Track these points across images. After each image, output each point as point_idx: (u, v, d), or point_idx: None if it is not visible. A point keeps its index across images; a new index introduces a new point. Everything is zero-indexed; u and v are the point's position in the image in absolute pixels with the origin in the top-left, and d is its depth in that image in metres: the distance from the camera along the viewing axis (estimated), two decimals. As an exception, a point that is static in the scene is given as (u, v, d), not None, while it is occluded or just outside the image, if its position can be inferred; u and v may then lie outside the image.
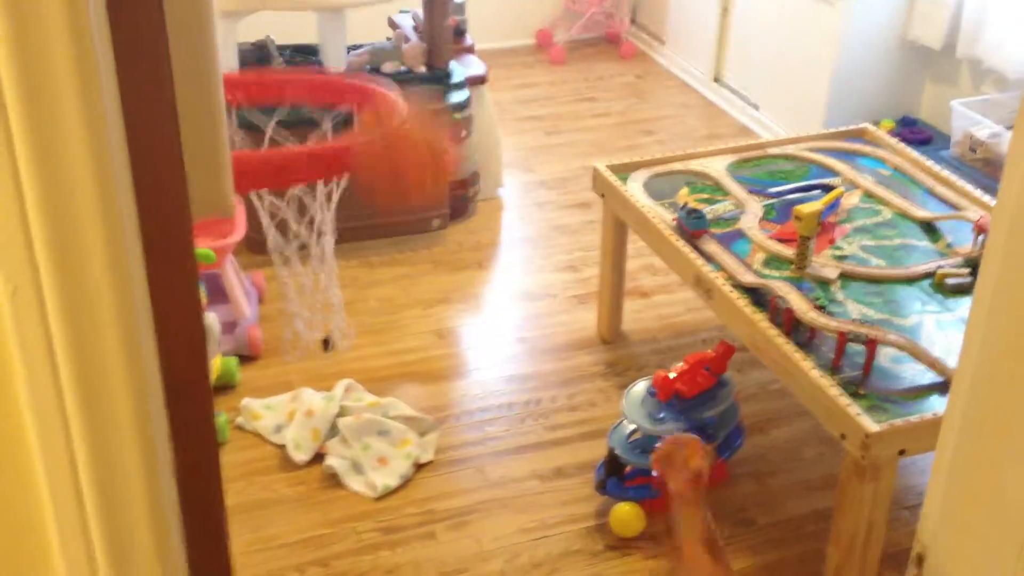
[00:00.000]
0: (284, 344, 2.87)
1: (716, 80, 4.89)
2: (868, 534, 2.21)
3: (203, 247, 2.90)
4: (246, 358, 3.12)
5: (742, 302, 2.48)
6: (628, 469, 2.60)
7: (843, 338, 2.29)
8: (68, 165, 0.90)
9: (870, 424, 2.08)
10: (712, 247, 2.69)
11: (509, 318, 3.41)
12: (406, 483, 2.71)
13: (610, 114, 4.80)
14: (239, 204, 3.17)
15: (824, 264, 2.61)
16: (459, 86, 3.65)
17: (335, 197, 2.58)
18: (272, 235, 2.63)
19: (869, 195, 2.94)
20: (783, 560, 2.52)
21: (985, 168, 3.46)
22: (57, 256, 0.93)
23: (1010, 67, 3.56)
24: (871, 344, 2.27)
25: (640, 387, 2.61)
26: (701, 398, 2.56)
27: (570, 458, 2.81)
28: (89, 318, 0.98)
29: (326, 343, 2.84)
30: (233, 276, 3.16)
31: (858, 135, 3.28)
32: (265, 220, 2.61)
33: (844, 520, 2.22)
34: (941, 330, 2.40)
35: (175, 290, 1.12)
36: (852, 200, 2.91)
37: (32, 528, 1.08)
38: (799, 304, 2.40)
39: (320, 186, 2.54)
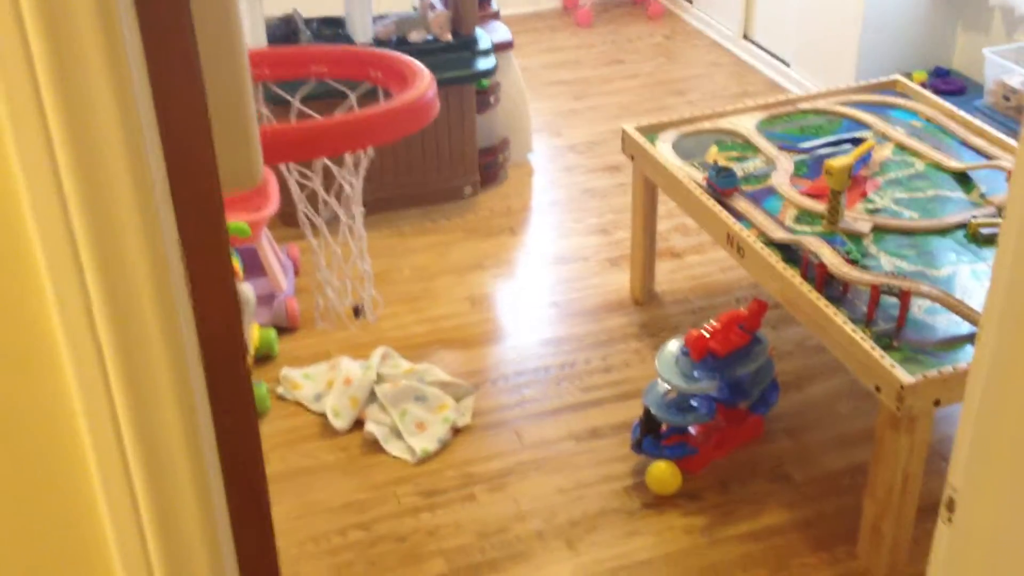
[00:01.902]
0: (315, 313, 2.91)
1: (745, 37, 4.85)
2: (904, 485, 2.22)
3: (238, 221, 2.94)
4: (284, 330, 3.17)
5: (774, 259, 2.48)
6: (664, 428, 2.62)
7: (876, 291, 2.28)
8: (100, 138, 0.92)
9: (904, 376, 2.09)
10: (743, 205, 2.69)
11: (542, 282, 3.43)
12: (444, 447, 2.75)
13: (639, 76, 4.78)
14: (272, 178, 3.21)
15: (856, 218, 2.59)
16: (486, 53, 3.65)
17: (363, 167, 2.60)
18: (302, 206, 2.66)
19: (901, 147, 2.91)
20: (820, 515, 2.53)
21: (1019, 116, 3.41)
22: (93, 230, 0.95)
23: (1045, 12, 3.50)
24: (904, 296, 2.26)
25: (673, 346, 2.62)
26: (735, 356, 2.56)
27: (605, 419, 2.83)
28: (126, 288, 1.01)
29: (356, 311, 2.86)
30: (269, 249, 3.21)
31: (889, 87, 3.25)
32: (295, 191, 2.64)
33: (880, 472, 2.22)
34: (975, 280, 2.39)
35: (209, 259, 1.15)
36: (884, 153, 2.88)
37: (80, 499, 1.12)
38: (831, 259, 2.40)
39: (348, 157, 2.55)
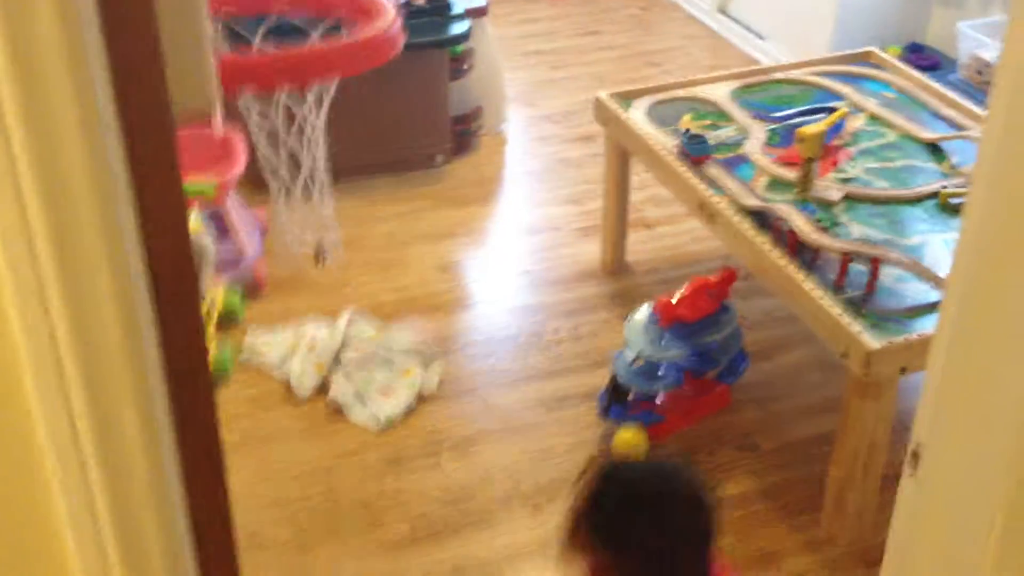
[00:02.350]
0: (275, 258, 2.85)
1: (721, 11, 4.82)
2: (870, 453, 2.21)
3: (202, 183, 2.89)
4: (251, 292, 3.13)
5: (745, 225, 2.46)
6: (631, 395, 2.60)
7: (846, 258, 2.27)
8: (42, 64, 0.88)
9: (871, 341, 2.07)
10: (715, 172, 2.67)
11: (513, 251, 3.40)
12: (410, 413, 2.72)
13: (614, 47, 4.74)
14: (238, 140, 3.15)
15: (828, 186, 2.58)
16: (459, 17, 3.60)
17: (325, 105, 2.54)
18: (262, 144, 2.59)
19: (874, 117, 2.90)
20: (787, 482, 2.52)
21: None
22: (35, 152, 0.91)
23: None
24: (874, 263, 2.25)
25: (642, 313, 2.60)
26: (703, 323, 2.55)
27: (574, 387, 2.81)
28: (72, 215, 0.97)
29: (317, 256, 2.80)
30: (235, 212, 3.15)
31: (864, 59, 3.23)
32: (254, 131, 2.57)
33: (846, 439, 2.22)
34: (945, 248, 2.38)
35: (159, 193, 1.11)
36: (857, 123, 2.87)
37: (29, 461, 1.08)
38: (802, 225, 2.38)
39: (309, 95, 2.49)
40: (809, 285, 2.25)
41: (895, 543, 1.23)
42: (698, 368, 2.64)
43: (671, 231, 3.45)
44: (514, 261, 3.35)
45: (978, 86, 3.45)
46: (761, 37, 4.55)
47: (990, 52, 3.41)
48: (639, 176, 3.25)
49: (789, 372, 2.87)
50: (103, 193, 0.97)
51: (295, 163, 2.69)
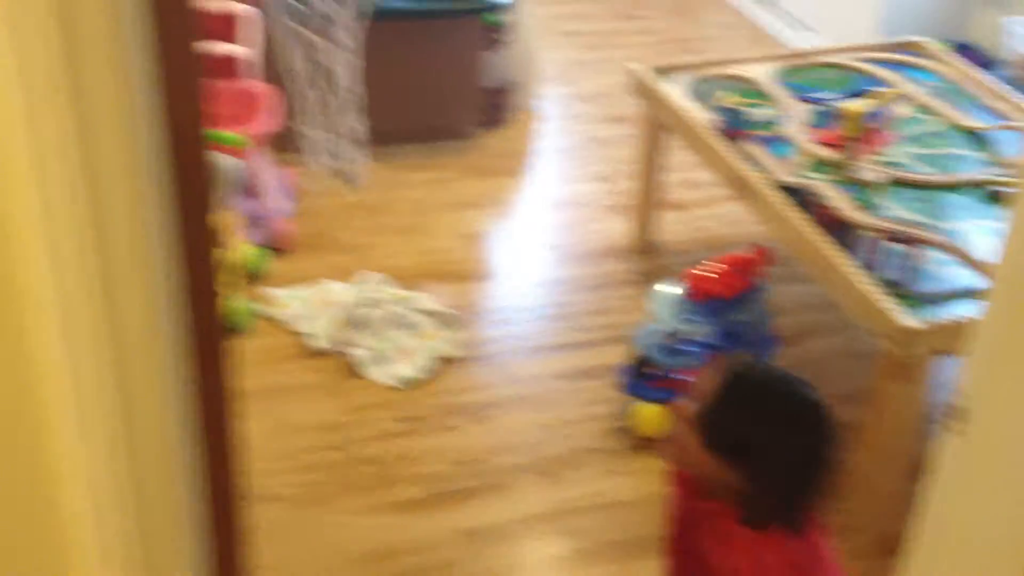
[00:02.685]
0: (301, 175, 2.78)
1: (764, 1, 4.75)
2: (898, 438, 2.15)
3: (235, 135, 2.86)
4: (277, 251, 3.09)
5: (781, 202, 2.40)
6: (654, 371, 2.54)
7: (883, 236, 2.21)
8: None
9: (906, 320, 2.02)
10: (752, 149, 2.61)
11: (540, 225, 3.35)
12: (428, 376, 2.67)
13: (652, 32, 4.68)
14: (274, 95, 3.11)
15: (869, 168, 2.52)
16: (499, -12, 3.55)
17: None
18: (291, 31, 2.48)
19: (919, 104, 2.83)
20: (808, 468, 2.46)
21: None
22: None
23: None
24: (913, 244, 2.19)
25: (671, 288, 2.54)
26: (735, 302, 2.49)
27: (596, 360, 2.76)
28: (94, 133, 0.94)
29: (343, 175, 2.75)
30: (266, 170, 3.12)
31: (911, 48, 3.16)
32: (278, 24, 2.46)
33: (876, 422, 2.16)
34: (986, 236, 2.31)
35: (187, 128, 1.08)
36: (901, 109, 2.80)
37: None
38: (840, 202, 2.32)
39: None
40: (845, 263, 2.19)
41: (935, 502, 1.18)
42: (725, 347, 2.58)
43: (704, 213, 3.39)
44: (541, 234, 3.30)
45: (1024, 83, 3.37)
46: (803, 26, 4.48)
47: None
48: (674, 157, 3.20)
49: (817, 359, 2.81)
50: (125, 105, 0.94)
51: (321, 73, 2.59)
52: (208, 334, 1.31)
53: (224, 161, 2.64)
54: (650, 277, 3.07)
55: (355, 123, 2.68)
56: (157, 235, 1.14)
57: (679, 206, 3.42)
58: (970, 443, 1.16)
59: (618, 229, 3.28)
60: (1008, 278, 1.09)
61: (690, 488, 1.50)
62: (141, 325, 1.12)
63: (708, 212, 3.40)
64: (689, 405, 1.42)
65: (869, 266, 2.20)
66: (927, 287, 2.17)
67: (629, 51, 4.48)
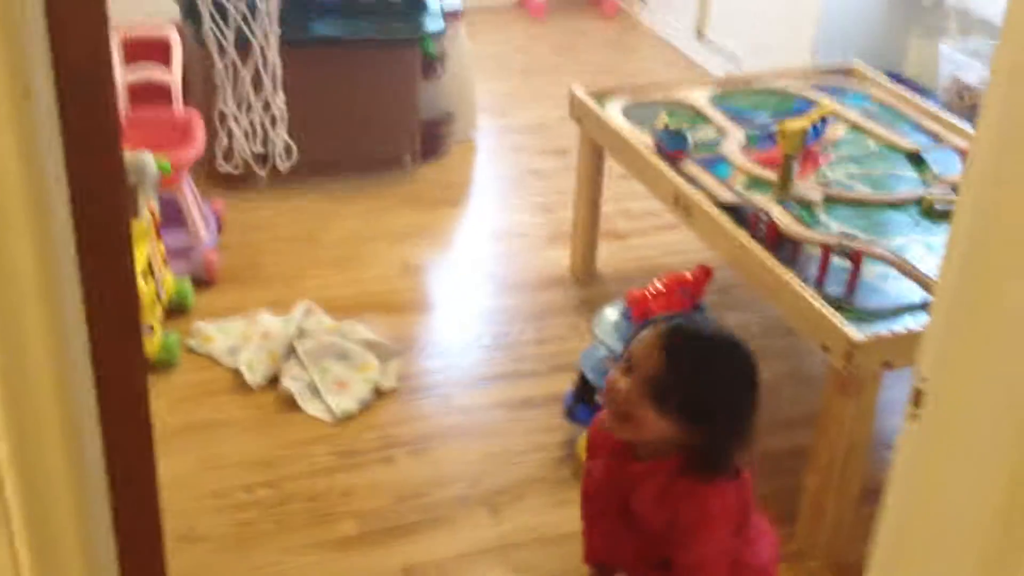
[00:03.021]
0: (216, 150, 2.69)
1: (699, 37, 4.79)
2: (849, 457, 2.10)
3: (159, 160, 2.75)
4: (202, 283, 2.98)
5: (723, 219, 2.36)
6: (598, 396, 2.47)
7: (828, 251, 2.18)
8: None
9: (854, 333, 1.97)
10: (692, 169, 2.58)
11: (479, 255, 3.29)
12: (365, 409, 2.57)
13: (590, 66, 4.68)
14: (197, 121, 3.02)
15: (808, 187, 2.50)
16: (435, 15, 3.51)
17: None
18: (208, 20, 2.43)
19: (855, 127, 2.83)
20: (760, 496, 2.39)
21: (973, 114, 3.36)
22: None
23: (1001, 15, 3.47)
24: (856, 257, 2.16)
25: (613, 311, 2.48)
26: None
27: (538, 389, 2.68)
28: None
29: (263, 159, 2.65)
30: (191, 198, 3.02)
31: (845, 73, 3.18)
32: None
33: (825, 441, 2.11)
34: (928, 251, 2.30)
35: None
36: (838, 132, 2.80)
37: None
38: (782, 217, 2.29)
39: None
40: (790, 277, 2.15)
41: (895, 495, 1.12)
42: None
43: (643, 243, 3.36)
44: (480, 265, 3.23)
45: (959, 111, 3.40)
46: (739, 62, 4.51)
47: (971, 75, 3.38)
48: (611, 189, 3.17)
49: (763, 385, 2.75)
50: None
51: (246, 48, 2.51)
52: (123, 364, 1.20)
53: (141, 157, 2.53)
54: (591, 305, 3.02)
55: (278, 102, 2.58)
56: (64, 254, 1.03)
57: (618, 235, 3.38)
58: (926, 427, 1.10)
59: (557, 258, 3.23)
60: (962, 250, 1.05)
61: (623, 455, 1.52)
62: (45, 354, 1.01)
63: (647, 241, 3.36)
64: (625, 378, 1.48)
65: (815, 281, 2.17)
66: (872, 302, 2.14)
67: (567, 86, 4.46)
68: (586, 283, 3.13)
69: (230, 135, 2.71)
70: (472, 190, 3.66)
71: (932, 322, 1.08)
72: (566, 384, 2.64)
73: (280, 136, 2.57)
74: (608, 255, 3.24)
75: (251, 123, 2.60)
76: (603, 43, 4.96)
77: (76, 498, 1.12)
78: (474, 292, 3.09)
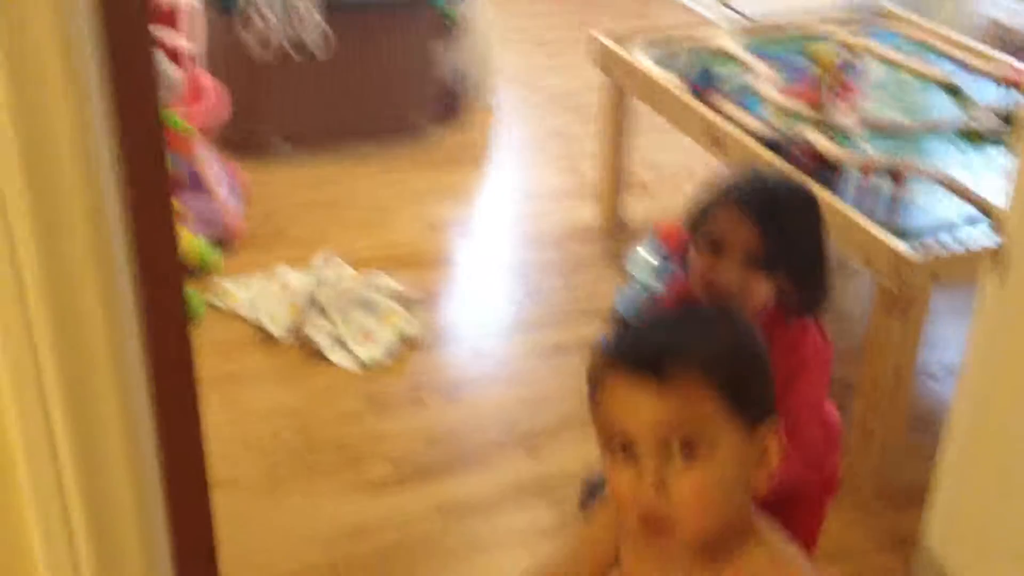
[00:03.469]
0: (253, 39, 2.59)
1: (723, 3, 4.73)
2: (896, 380, 2.02)
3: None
4: (225, 246, 2.93)
5: (759, 148, 2.29)
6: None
7: (869, 171, 2.10)
8: None
9: (902, 248, 1.90)
10: (724, 105, 2.51)
11: (505, 212, 3.23)
12: (393, 358, 2.51)
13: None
14: (213, 85, 2.98)
15: (846, 116, 2.42)
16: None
17: None
18: None
19: (890, 62, 2.76)
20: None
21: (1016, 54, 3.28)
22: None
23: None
24: (899, 175, 2.09)
25: (647, 248, 2.42)
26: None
27: (570, 336, 2.62)
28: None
29: (302, 46, 2.55)
30: (210, 162, 2.97)
31: (877, 14, 3.10)
32: None
33: (872, 363, 2.03)
34: (970, 172, 2.22)
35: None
36: (872, 67, 2.73)
37: None
38: (821, 141, 2.22)
39: None
40: (834, 202, 2.07)
41: (974, 356, 1.05)
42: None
43: (670, 195, 3.28)
44: (506, 221, 3.17)
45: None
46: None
47: (1012, 16, 3.29)
48: (635, 139, 3.10)
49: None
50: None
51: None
52: (168, 312, 1.15)
53: (163, 64, 2.47)
54: (620, 256, 2.95)
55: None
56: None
57: (644, 188, 3.31)
58: (1008, 289, 1.04)
59: (584, 214, 3.16)
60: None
61: None
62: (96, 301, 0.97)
63: (674, 193, 3.29)
64: (722, 263, 1.41)
65: (858, 204, 2.09)
66: (917, 221, 2.06)
67: (582, 54, 4.42)
68: (614, 235, 3.06)
69: (264, 19, 2.61)
70: (494, 152, 3.60)
71: (1016, 191, 1.02)
72: (597, 331, 2.58)
73: (315, 23, 2.48)
74: (635, 208, 3.18)
75: (285, 8, 2.50)
76: (626, 13, 4.91)
77: (127, 446, 1.07)
78: (501, 247, 3.03)
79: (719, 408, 0.93)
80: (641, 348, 0.96)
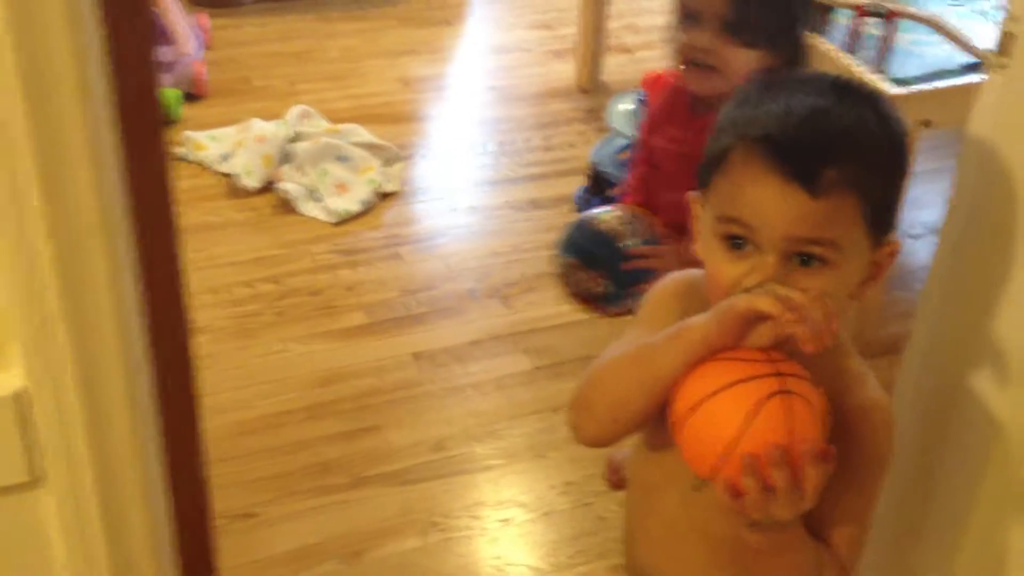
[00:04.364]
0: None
1: None
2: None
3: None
4: (191, 97, 2.83)
5: (745, -8, 2.21)
6: (614, 190, 2.36)
7: (860, 12, 2.04)
8: None
9: (892, 88, 1.86)
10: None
11: (480, 68, 3.14)
12: (368, 210, 2.46)
13: None
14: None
15: (834, -37, 2.34)
16: None
17: None
18: None
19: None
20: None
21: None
22: None
23: None
24: (890, 17, 2.02)
25: (625, 99, 2.36)
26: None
27: (546, 191, 2.57)
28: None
29: None
30: (174, 11, 2.85)
31: None
32: None
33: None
34: (959, 19, 2.16)
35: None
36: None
37: None
38: (810, -17, 2.14)
39: None
40: (821, 42, 2.01)
41: (971, 143, 1.02)
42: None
43: (651, 55, 3.20)
44: (481, 78, 3.09)
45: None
46: None
47: None
48: (616, 6, 3.01)
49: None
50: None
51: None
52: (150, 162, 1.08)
53: None
54: (597, 114, 2.89)
55: None
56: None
57: (625, 49, 3.23)
58: (1013, 78, 0.99)
59: (561, 71, 3.08)
60: None
61: (692, 115, 1.52)
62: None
63: (654, 54, 3.20)
64: (697, 31, 1.41)
65: (847, 48, 2.04)
66: (907, 67, 2.01)
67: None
68: (592, 93, 2.99)
69: None
70: (469, 8, 3.48)
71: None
72: (574, 186, 2.53)
73: None
74: (615, 67, 3.09)
75: None
76: None
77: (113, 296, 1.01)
78: (477, 103, 2.95)
79: (859, 224, 0.88)
80: (801, 154, 0.86)
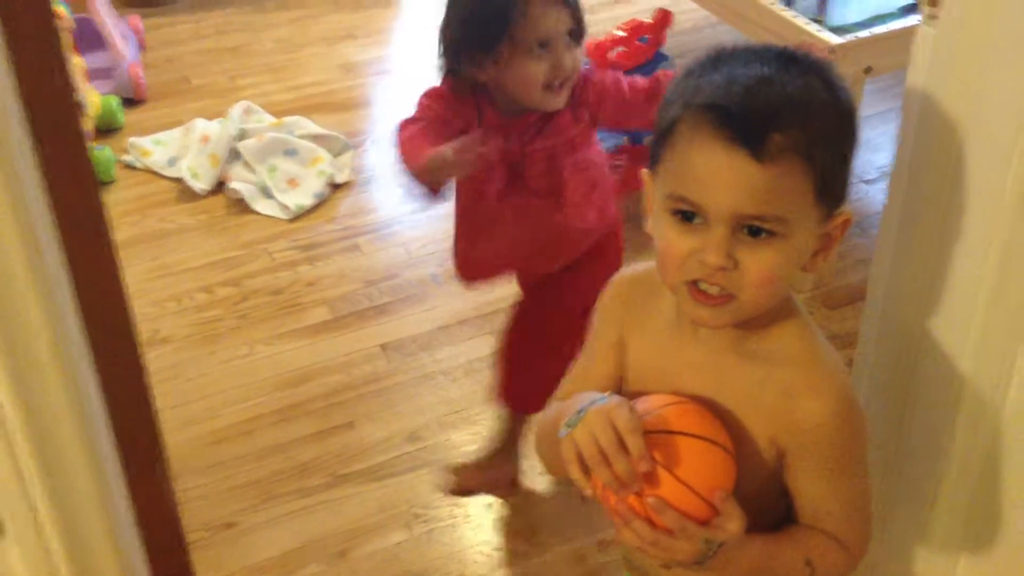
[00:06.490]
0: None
1: None
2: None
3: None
4: (130, 102, 2.78)
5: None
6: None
7: (796, -37, 2.04)
8: None
9: (832, 38, 1.86)
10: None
11: (421, 49, 3.09)
12: (322, 203, 2.44)
13: None
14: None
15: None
16: None
17: None
18: None
19: None
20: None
21: None
22: None
23: None
24: (827, -33, 2.02)
25: (572, 69, 2.34)
26: (638, 71, 2.30)
27: (501, 168, 2.55)
28: None
29: None
30: (107, 16, 2.79)
31: None
32: None
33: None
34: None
35: None
36: None
37: None
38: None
39: None
40: (759, -2, 2.01)
41: (911, 94, 1.02)
42: (635, 135, 2.40)
43: (598, 19, 3.18)
44: (422, 59, 3.05)
45: None
46: None
47: None
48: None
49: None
50: None
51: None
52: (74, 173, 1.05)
53: None
54: (546, 84, 2.87)
55: None
56: None
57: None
58: (943, 31, 0.99)
59: (505, 44, 3.05)
60: None
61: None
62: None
63: (601, 17, 3.19)
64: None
65: (787, 1, 2.04)
66: (847, 14, 2.01)
67: None
68: (537, 65, 2.96)
69: None
70: (405, -11, 3.45)
71: None
72: (529, 160, 2.52)
73: None
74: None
75: None
76: None
77: (47, 312, 0.99)
78: (419, 86, 2.91)
79: (808, 194, 0.87)
80: (746, 118, 0.84)
